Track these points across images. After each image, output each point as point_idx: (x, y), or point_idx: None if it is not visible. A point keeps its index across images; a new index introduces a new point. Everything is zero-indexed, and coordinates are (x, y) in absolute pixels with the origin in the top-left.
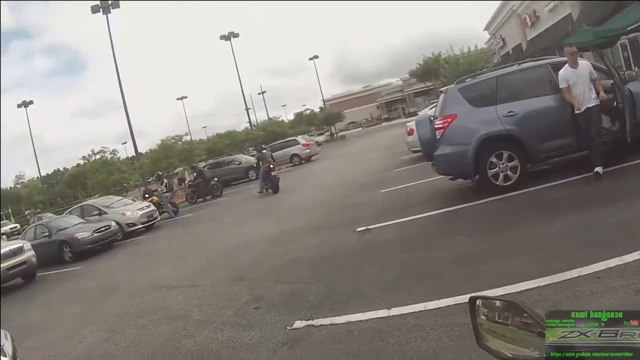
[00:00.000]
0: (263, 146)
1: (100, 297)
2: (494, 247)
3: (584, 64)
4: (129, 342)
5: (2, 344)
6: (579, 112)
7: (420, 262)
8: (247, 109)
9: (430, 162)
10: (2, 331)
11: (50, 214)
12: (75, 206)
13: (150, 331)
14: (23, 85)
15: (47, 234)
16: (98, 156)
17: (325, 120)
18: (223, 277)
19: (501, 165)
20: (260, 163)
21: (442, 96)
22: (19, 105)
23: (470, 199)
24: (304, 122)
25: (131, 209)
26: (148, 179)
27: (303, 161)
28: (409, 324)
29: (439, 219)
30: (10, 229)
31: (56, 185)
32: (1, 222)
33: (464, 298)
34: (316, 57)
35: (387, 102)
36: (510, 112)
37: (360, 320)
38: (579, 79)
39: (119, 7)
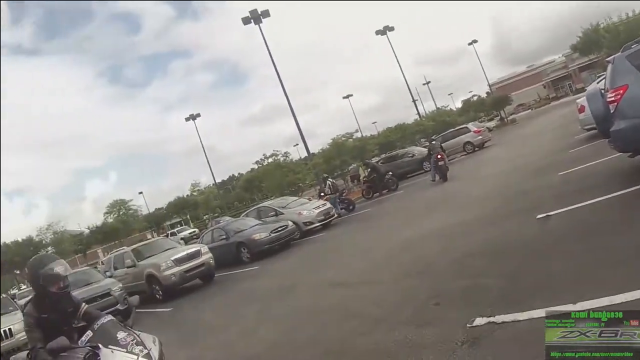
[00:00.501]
0: (433, 137)
1: (277, 296)
2: None
3: None
4: (305, 341)
5: (149, 348)
6: None
7: (607, 250)
8: (413, 101)
9: (607, 140)
10: (151, 336)
11: (227, 217)
12: (251, 208)
13: (327, 329)
14: (189, 101)
15: (224, 236)
16: (271, 159)
17: (493, 105)
18: (401, 272)
19: None
20: (431, 153)
21: (609, 67)
22: (187, 119)
23: None
24: (472, 108)
25: (307, 208)
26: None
27: (476, 149)
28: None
29: (622, 202)
30: (189, 233)
31: (232, 190)
32: (181, 227)
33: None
34: (475, 41)
35: (553, 80)
36: None
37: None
38: None
39: (269, 15)
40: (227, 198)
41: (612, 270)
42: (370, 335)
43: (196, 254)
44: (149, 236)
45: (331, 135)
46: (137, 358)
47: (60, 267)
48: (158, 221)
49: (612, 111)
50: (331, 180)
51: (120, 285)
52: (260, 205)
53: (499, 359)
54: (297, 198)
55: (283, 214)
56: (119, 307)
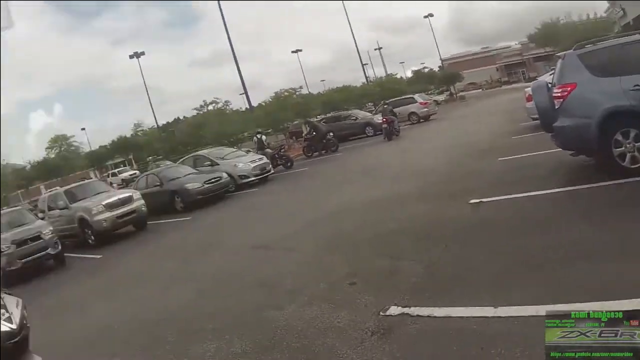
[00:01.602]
0: (386, 102)
1: (199, 252)
2: (620, 243)
3: None
4: (216, 308)
5: (10, 312)
6: None
7: (537, 250)
8: (363, 65)
9: (549, 134)
10: (15, 299)
11: (168, 162)
12: (187, 156)
13: (240, 297)
14: (139, 37)
15: (158, 183)
16: (211, 107)
17: (444, 80)
18: (324, 243)
19: (628, 145)
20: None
21: (559, 62)
22: (131, 57)
23: (593, 179)
24: (423, 80)
25: (244, 161)
26: (257, 133)
27: (421, 120)
28: (516, 332)
29: (559, 199)
30: (130, 175)
31: (177, 134)
32: (122, 167)
33: (584, 307)
34: (431, 15)
35: (507, 65)
36: (637, 86)
37: (462, 317)
38: None
39: None
40: (171, 141)
41: (538, 273)
42: (282, 310)
43: (128, 200)
44: (92, 175)
45: (278, 88)
46: None
47: None
48: (100, 160)
49: (557, 107)
50: (258, 136)
51: (51, 228)
52: (197, 153)
53: (407, 356)
54: (234, 150)
55: (219, 164)
56: (49, 251)
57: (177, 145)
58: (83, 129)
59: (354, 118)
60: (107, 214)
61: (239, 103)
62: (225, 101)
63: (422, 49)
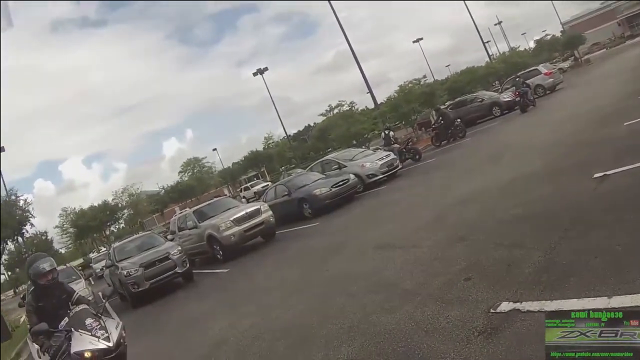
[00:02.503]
0: (517, 74)
1: (322, 257)
2: None
3: None
4: (332, 314)
5: (109, 332)
6: None
7: None
8: (483, 42)
9: None
10: (115, 321)
11: (299, 170)
12: (315, 162)
13: (356, 301)
14: (260, 55)
15: (287, 192)
16: (336, 110)
17: (567, 45)
18: (446, 236)
19: None
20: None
21: None
22: (255, 74)
23: None
24: (546, 48)
25: (371, 159)
26: (385, 129)
27: (547, 92)
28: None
29: None
30: (262, 187)
31: (307, 141)
32: (254, 181)
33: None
34: None
35: (628, 17)
36: None
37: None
38: None
39: None
40: (302, 149)
41: None
42: (394, 313)
43: (255, 213)
44: (225, 191)
45: (402, 81)
46: (99, 340)
47: (45, 264)
48: (233, 176)
49: None
50: (386, 132)
51: (180, 248)
52: (324, 158)
53: (512, 357)
54: (362, 149)
55: (346, 166)
56: (177, 270)
57: (308, 152)
58: (214, 149)
59: (480, 100)
60: (235, 229)
61: (366, 102)
62: (350, 102)
63: (543, 15)
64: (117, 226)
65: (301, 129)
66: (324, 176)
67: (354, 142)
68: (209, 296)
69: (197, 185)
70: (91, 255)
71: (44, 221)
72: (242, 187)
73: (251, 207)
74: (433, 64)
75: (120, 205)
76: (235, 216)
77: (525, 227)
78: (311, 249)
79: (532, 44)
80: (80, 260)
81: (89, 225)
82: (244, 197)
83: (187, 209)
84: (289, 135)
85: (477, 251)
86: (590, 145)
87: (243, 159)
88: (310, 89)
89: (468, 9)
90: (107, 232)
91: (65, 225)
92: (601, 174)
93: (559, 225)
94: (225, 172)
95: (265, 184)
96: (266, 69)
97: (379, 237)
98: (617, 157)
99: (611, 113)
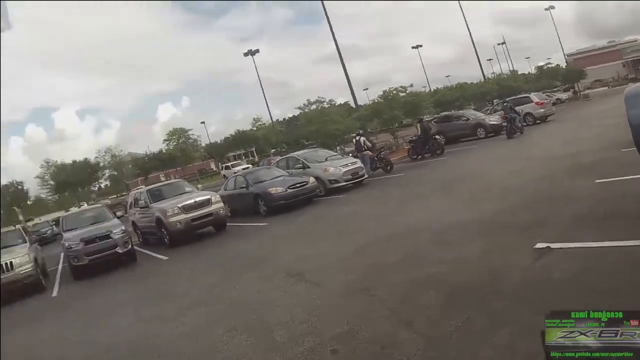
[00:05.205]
0: (506, 99)
1: (240, 269)
2: None
3: None
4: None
5: None
6: None
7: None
8: (479, 60)
9: None
10: None
11: (278, 157)
12: (282, 157)
13: (224, 345)
14: (263, 35)
15: (244, 185)
16: (314, 106)
17: (566, 77)
18: (352, 281)
19: None
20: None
21: None
22: (245, 54)
23: None
24: (547, 77)
25: (335, 164)
26: (356, 135)
27: (537, 121)
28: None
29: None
30: (243, 168)
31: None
32: (236, 161)
33: None
34: (552, 7)
35: (635, 60)
36: None
37: None
38: None
39: None
40: (293, 134)
41: None
42: None
43: (206, 203)
44: (212, 165)
45: (405, 83)
46: None
47: None
48: (220, 152)
49: None
50: (357, 138)
51: (123, 228)
52: (290, 155)
53: None
54: (333, 153)
55: (309, 167)
56: (117, 249)
57: (299, 137)
58: (203, 122)
59: (466, 119)
60: (182, 216)
61: (362, 99)
62: (330, 99)
63: (549, 43)
64: (98, 184)
65: (297, 114)
66: (287, 174)
67: (331, 142)
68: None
69: (180, 156)
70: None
71: (31, 167)
72: (224, 165)
73: (202, 197)
74: (438, 72)
75: (102, 164)
76: (184, 203)
77: (431, 297)
78: (239, 255)
79: (534, 69)
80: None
81: (68, 181)
82: (224, 175)
83: (143, 187)
84: (284, 119)
85: (367, 314)
86: (551, 201)
87: (225, 137)
88: (311, 76)
89: (467, 24)
90: (91, 189)
91: (46, 177)
92: (544, 245)
93: (464, 307)
94: (212, 147)
95: (247, 166)
96: (257, 50)
97: (299, 261)
98: (570, 227)
99: (588, 163)
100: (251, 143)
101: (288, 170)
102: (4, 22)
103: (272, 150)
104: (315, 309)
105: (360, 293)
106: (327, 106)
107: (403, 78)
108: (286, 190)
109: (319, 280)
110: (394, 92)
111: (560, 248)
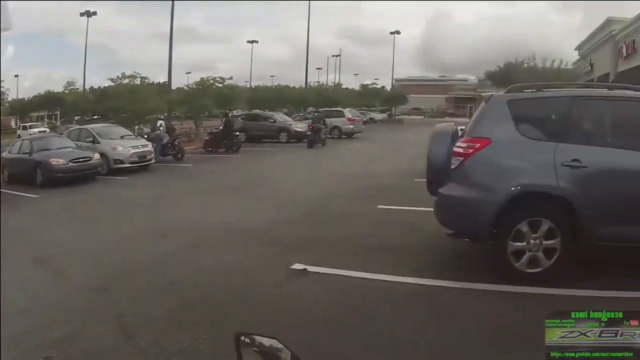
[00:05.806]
0: (318, 110)
1: None
2: None
3: None
4: None
5: None
6: None
7: None
8: (307, 65)
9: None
10: None
11: (78, 126)
12: (75, 127)
13: None
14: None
15: (28, 151)
16: (126, 80)
17: (388, 99)
18: (96, 274)
19: (532, 241)
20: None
21: (481, 105)
22: (82, 14)
23: (473, 274)
24: (368, 96)
25: (124, 144)
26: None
27: (343, 136)
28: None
29: (413, 294)
30: (40, 131)
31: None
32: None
33: None
34: (397, 32)
35: (457, 97)
36: (576, 160)
37: None
38: None
39: None
40: (104, 106)
41: None
42: None
43: None
44: (12, 123)
45: (234, 73)
46: None
47: None
48: (25, 110)
49: (452, 166)
50: (159, 122)
51: None
52: (83, 127)
53: None
54: (128, 131)
55: (99, 143)
56: None
57: (107, 111)
58: (16, 75)
59: (272, 120)
60: None
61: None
62: (144, 76)
63: (384, 65)
64: None
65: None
66: (75, 145)
67: (136, 120)
68: None
69: None
70: None
71: None
72: (21, 124)
73: None
74: (267, 71)
75: None
76: None
77: (166, 308)
78: None
79: (358, 86)
80: None
81: None
82: (19, 135)
83: None
84: (85, 86)
85: (93, 317)
86: (327, 220)
87: (37, 95)
88: (144, 51)
89: (308, 28)
90: None
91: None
92: (302, 266)
93: (198, 323)
94: (16, 103)
95: (44, 129)
96: (95, 12)
97: (47, 245)
98: (336, 250)
99: (378, 187)
100: (57, 106)
101: (77, 143)
102: (4, 22)
103: (77, 118)
104: (47, 301)
105: (96, 292)
106: (138, 83)
107: (230, 69)
108: (67, 164)
109: (62, 269)
110: (211, 81)
111: (317, 272)
